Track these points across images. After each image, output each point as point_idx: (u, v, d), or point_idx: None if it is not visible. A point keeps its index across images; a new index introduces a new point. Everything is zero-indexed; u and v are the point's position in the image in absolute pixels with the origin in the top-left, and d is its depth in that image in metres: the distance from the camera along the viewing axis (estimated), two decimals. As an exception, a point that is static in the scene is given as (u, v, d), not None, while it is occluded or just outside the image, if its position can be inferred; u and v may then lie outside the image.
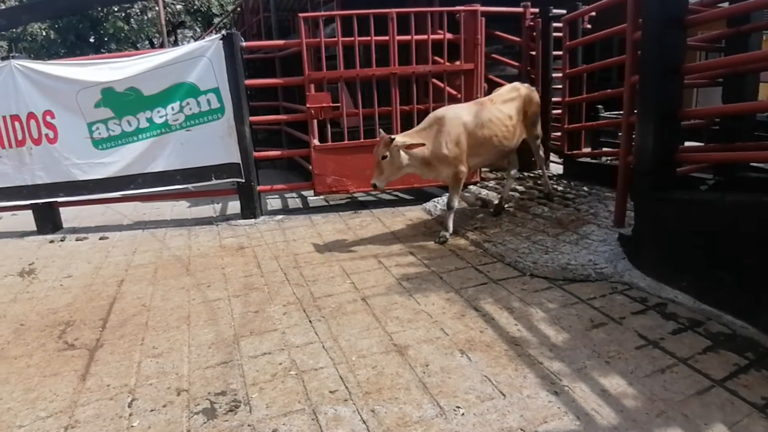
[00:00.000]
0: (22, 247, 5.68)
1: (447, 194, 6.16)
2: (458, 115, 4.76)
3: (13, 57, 5.82)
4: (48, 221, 6.10)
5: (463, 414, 2.47)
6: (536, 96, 5.35)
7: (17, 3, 15.43)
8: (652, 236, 3.77)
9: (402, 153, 4.54)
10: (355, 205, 6.33)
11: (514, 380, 2.69)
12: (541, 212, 5.30)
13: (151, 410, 2.67)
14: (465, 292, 3.76)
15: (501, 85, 7.17)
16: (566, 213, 5.18)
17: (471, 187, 6.32)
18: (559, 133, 6.75)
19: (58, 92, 5.73)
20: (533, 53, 6.85)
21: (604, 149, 6.58)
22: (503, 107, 4.97)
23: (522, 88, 5.21)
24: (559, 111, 6.68)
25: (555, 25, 6.64)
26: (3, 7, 15.47)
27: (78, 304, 4.06)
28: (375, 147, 4.59)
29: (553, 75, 6.80)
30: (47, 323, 3.77)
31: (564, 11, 6.35)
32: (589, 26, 6.74)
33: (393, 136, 4.49)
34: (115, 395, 2.82)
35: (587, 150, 6.76)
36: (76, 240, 5.75)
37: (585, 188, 5.91)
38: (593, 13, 6.00)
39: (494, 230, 4.97)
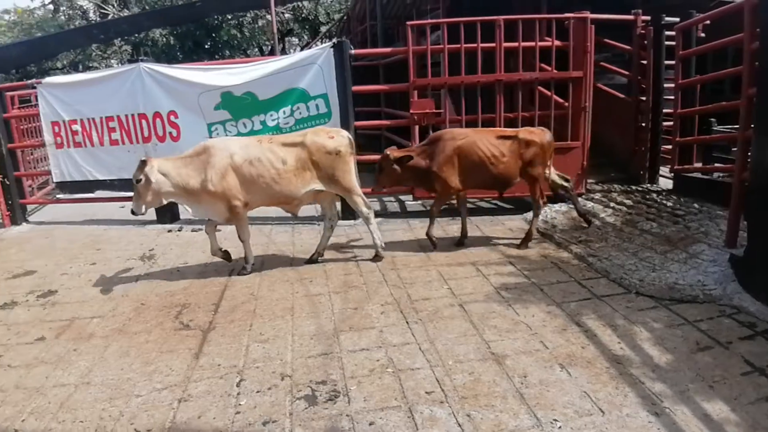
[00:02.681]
0: (143, 234, 6.21)
1: (550, 205, 6.05)
2: (227, 147, 4.47)
3: (141, 60, 6.38)
4: (167, 212, 6.60)
5: (560, 427, 2.43)
6: (331, 145, 4.54)
7: (140, 11, 16.85)
8: (766, 258, 3.52)
9: (160, 177, 4.30)
10: (453, 212, 6.30)
11: (614, 398, 2.62)
12: (650, 228, 5.07)
13: (257, 391, 2.83)
14: (567, 306, 3.66)
15: (609, 94, 6.95)
16: (675, 230, 4.95)
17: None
18: (669, 146, 6.42)
19: (182, 94, 6.21)
20: (644, 62, 6.55)
21: (717, 165, 6.19)
22: (279, 149, 4.52)
23: (309, 135, 4.62)
24: (671, 123, 6.35)
25: (667, 33, 6.36)
26: (126, 13, 16.95)
27: (193, 288, 4.39)
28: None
29: (665, 85, 6.48)
30: (165, 304, 4.10)
31: (677, 19, 6.07)
32: (702, 35, 6.36)
33: (144, 158, 4.31)
34: (224, 374, 3.02)
35: (699, 165, 6.37)
36: (192, 231, 6.21)
37: (695, 205, 5.62)
38: (707, 22, 5.67)
39: (599, 244, 4.79)
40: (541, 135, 4.87)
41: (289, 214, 4.98)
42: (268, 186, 4.49)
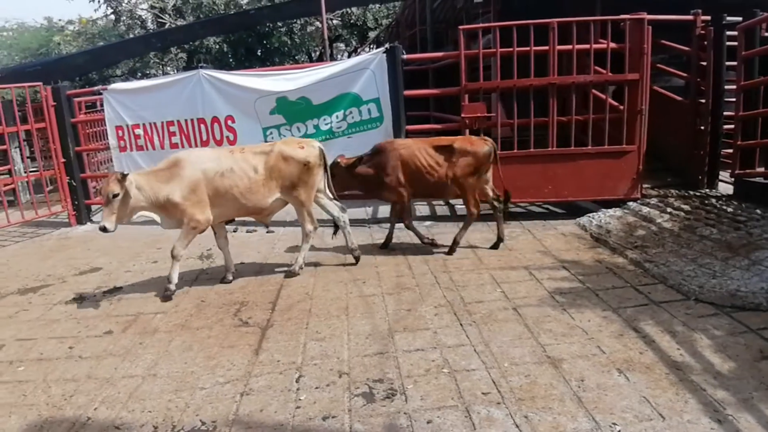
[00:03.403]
0: (200, 235, 6.37)
1: (603, 210, 5.94)
2: (199, 159, 4.40)
3: (201, 67, 6.61)
4: (222, 214, 6.80)
5: (619, 431, 2.42)
6: (300, 155, 4.54)
7: (195, 20, 17.40)
8: None
9: (135, 191, 4.16)
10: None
11: (674, 404, 2.59)
12: (709, 234, 4.90)
13: (316, 387, 2.91)
14: (623, 311, 3.61)
15: (666, 97, 6.77)
16: (737, 236, 4.78)
17: (631, 203, 5.99)
18: (731, 150, 6.20)
19: (239, 99, 6.41)
20: (704, 63, 6.36)
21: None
22: (251, 158, 4.50)
23: (277, 144, 4.66)
24: (731, 126, 6.13)
25: (729, 33, 6.16)
26: (182, 23, 17.51)
27: (250, 287, 4.53)
28: (103, 185, 4.19)
29: (726, 87, 6.28)
30: (224, 302, 4.25)
31: (740, 18, 5.85)
32: (767, 35, 6.12)
33: (125, 172, 4.13)
34: (284, 370, 3.11)
35: (761, 170, 6.13)
36: (247, 232, 6.39)
37: (758, 211, 5.40)
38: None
39: (656, 250, 4.68)
40: (478, 145, 4.92)
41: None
42: (241, 195, 4.47)
